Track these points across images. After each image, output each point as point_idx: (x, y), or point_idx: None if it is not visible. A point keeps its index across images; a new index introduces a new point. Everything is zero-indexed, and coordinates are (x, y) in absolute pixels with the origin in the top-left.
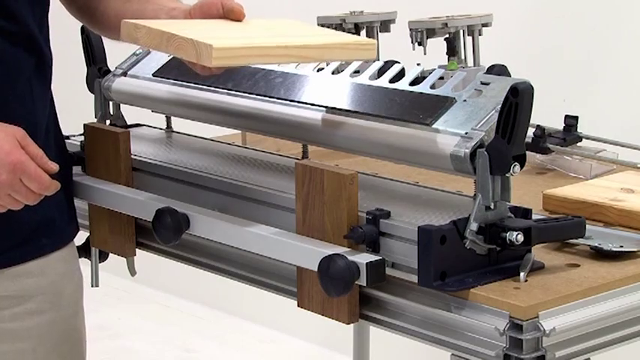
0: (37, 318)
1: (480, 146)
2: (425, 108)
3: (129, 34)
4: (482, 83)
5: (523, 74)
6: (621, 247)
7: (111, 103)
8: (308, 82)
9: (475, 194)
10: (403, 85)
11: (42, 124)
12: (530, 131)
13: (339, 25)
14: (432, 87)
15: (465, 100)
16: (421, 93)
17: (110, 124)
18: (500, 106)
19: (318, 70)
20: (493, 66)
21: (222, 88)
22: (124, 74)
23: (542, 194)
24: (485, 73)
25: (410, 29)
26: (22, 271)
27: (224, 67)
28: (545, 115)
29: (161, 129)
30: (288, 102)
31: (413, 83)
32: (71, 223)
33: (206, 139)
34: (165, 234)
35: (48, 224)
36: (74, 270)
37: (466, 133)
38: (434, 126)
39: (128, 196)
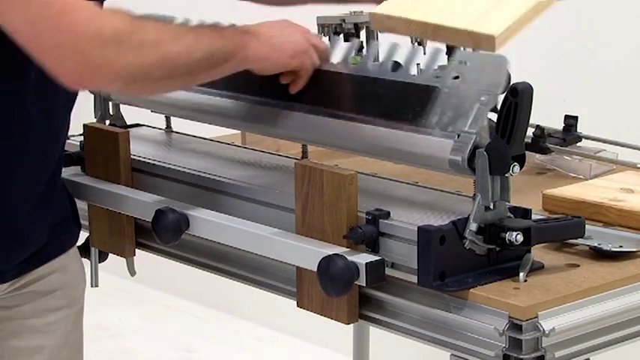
0: (56, 314)
1: (475, 147)
2: (412, 102)
3: (381, 24)
4: (459, 63)
5: (523, 74)
6: (621, 247)
7: (110, 103)
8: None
9: (474, 194)
10: (386, 74)
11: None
12: (530, 131)
13: (338, 25)
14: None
15: (447, 90)
16: (405, 83)
17: (110, 124)
18: (483, 94)
19: None
20: None
21: (221, 89)
22: None
23: (542, 194)
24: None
25: None
26: (48, 268)
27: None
28: (545, 115)
29: (161, 129)
30: (281, 103)
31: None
32: (76, 220)
33: (206, 139)
34: (165, 234)
35: (64, 221)
36: (82, 265)
37: (459, 137)
38: (426, 127)
39: (128, 196)
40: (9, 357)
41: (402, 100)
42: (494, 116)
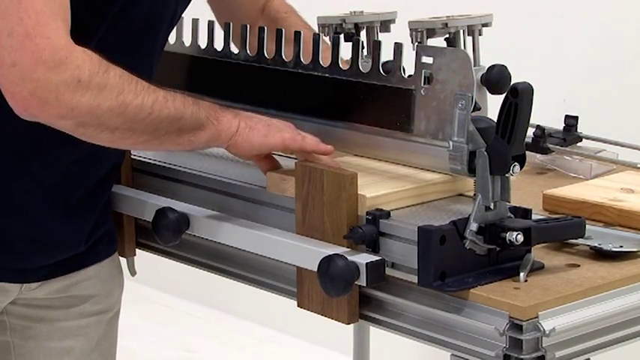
0: (88, 318)
1: (471, 153)
2: (393, 108)
3: (275, 186)
4: (424, 63)
5: (523, 74)
6: (621, 247)
7: None
8: (277, 78)
9: (475, 194)
10: (358, 77)
11: None
12: (530, 131)
13: (339, 25)
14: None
15: (423, 92)
16: (381, 86)
17: None
18: (459, 98)
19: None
20: (493, 66)
21: (214, 92)
22: None
23: (542, 194)
24: (485, 73)
25: (410, 29)
26: (83, 275)
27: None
28: (545, 115)
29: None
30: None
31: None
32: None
33: None
34: (165, 234)
35: (106, 234)
36: (120, 272)
37: (452, 147)
38: (415, 134)
39: (128, 196)
40: (39, 356)
41: (383, 105)
42: (493, 115)
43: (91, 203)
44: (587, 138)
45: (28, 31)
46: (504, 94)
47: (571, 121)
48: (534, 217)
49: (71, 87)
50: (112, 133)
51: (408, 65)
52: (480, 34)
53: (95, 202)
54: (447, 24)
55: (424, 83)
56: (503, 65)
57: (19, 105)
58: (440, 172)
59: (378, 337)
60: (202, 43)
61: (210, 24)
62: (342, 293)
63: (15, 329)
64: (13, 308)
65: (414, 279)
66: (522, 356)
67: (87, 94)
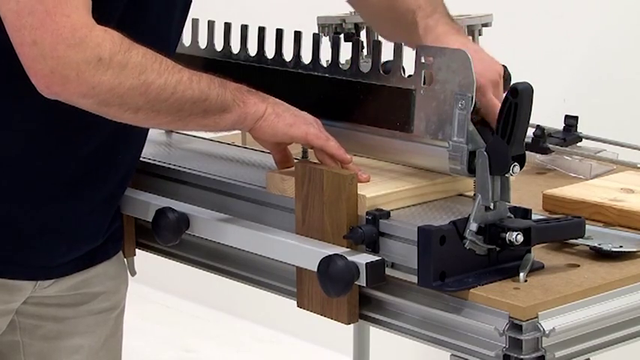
0: (96, 315)
1: (471, 153)
2: (394, 108)
3: (275, 186)
4: (424, 63)
5: (523, 74)
6: (621, 247)
7: None
8: (277, 78)
9: (475, 194)
10: (357, 77)
11: None
12: (530, 131)
13: (339, 25)
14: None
15: (422, 92)
16: (381, 86)
17: None
18: (458, 98)
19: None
20: None
21: None
22: None
23: (542, 194)
24: None
25: None
26: (92, 272)
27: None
28: (545, 115)
29: (161, 129)
30: None
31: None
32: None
33: (206, 139)
34: (165, 234)
35: (116, 232)
36: (125, 269)
37: (451, 147)
38: (415, 134)
39: (128, 196)
40: (49, 355)
41: (383, 105)
42: None
43: (112, 199)
44: (587, 138)
45: (49, 9)
46: (504, 94)
47: (571, 121)
48: (534, 217)
49: (92, 65)
50: (136, 113)
51: (408, 65)
52: (479, 34)
53: (116, 199)
54: None
55: (424, 83)
56: (503, 65)
57: (41, 83)
58: (440, 172)
59: (378, 337)
60: (202, 43)
61: (210, 24)
62: (341, 293)
63: (25, 329)
64: (23, 307)
65: (414, 279)
66: (522, 356)
67: (108, 72)
